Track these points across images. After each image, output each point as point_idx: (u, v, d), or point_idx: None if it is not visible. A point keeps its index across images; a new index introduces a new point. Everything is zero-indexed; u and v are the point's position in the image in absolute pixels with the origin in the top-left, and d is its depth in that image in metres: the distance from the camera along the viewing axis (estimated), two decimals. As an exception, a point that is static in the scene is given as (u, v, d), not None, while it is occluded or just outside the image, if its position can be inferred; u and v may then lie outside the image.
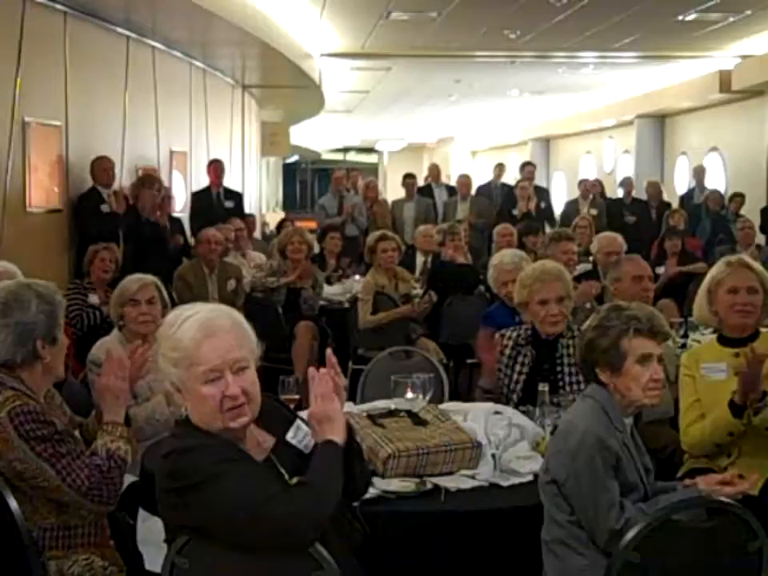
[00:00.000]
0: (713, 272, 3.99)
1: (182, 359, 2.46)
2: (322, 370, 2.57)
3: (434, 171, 13.42)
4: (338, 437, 2.51)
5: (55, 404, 3.18)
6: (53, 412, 3.10)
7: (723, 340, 3.92)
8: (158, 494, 2.51)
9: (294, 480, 2.47)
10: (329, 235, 8.99)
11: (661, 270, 8.26)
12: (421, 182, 13.28)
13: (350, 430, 2.57)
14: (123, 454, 2.99)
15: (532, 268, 4.58)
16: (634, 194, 13.16)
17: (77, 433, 3.20)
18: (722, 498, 2.69)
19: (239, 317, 2.58)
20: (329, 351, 2.64)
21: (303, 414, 2.77)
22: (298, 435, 2.62)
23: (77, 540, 2.97)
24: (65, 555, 2.93)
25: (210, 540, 2.41)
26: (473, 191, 12.81)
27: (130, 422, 3.21)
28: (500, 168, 14.46)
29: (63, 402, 3.30)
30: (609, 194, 15.17)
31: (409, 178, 12.37)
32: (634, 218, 12.21)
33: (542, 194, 12.88)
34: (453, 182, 14.67)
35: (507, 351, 4.31)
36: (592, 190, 13.29)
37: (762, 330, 3.95)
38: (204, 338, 2.46)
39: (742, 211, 11.67)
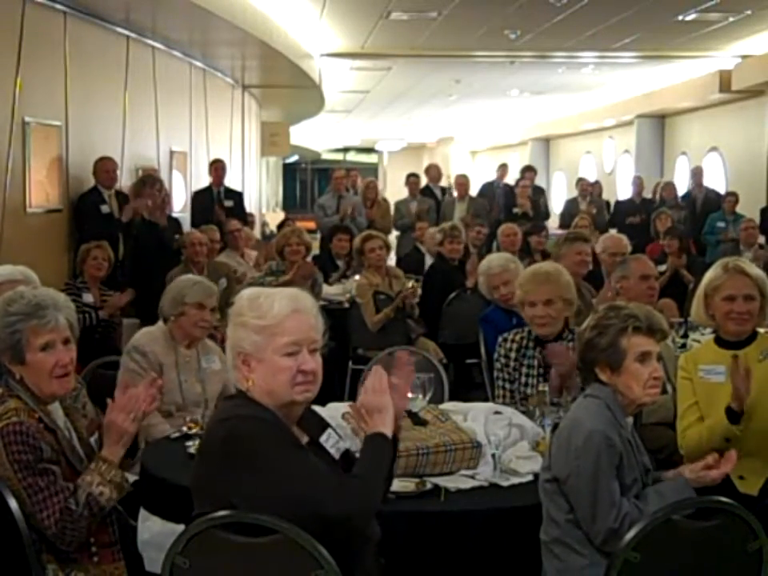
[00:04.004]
0: (710, 275, 3.94)
1: (267, 327, 2.54)
2: (375, 368, 2.64)
3: (431, 171, 13.38)
4: (388, 430, 2.56)
5: (77, 405, 3.13)
6: (73, 415, 3.08)
7: (721, 342, 3.90)
8: (203, 459, 2.55)
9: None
10: (336, 237, 8.94)
11: (662, 268, 8.27)
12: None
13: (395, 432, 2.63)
14: (104, 501, 2.88)
15: (527, 270, 4.63)
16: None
17: (94, 438, 3.15)
18: (722, 498, 2.69)
19: (317, 304, 2.67)
20: (402, 353, 2.70)
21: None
22: (330, 440, 2.69)
23: (68, 554, 2.91)
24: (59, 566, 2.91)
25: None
26: (472, 191, 12.82)
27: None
28: (503, 168, 14.52)
29: (87, 403, 3.26)
30: (608, 194, 15.23)
31: (412, 177, 12.38)
32: (638, 218, 12.24)
33: (538, 193, 12.93)
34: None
35: (513, 354, 4.32)
36: (590, 189, 13.36)
37: (760, 330, 3.94)
38: (292, 311, 2.56)
39: (742, 211, 11.67)
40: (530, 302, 4.33)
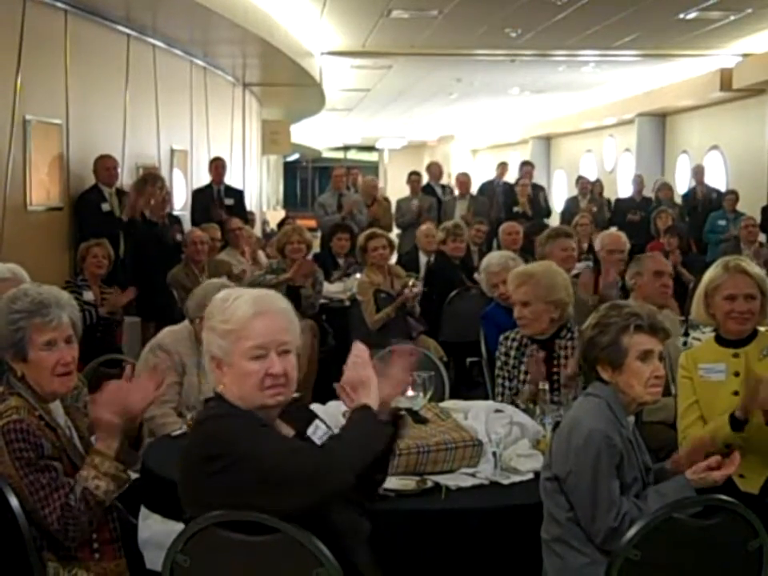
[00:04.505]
0: (710, 274, 3.92)
1: (231, 332, 2.50)
2: (355, 343, 2.62)
3: (433, 170, 13.36)
4: (372, 401, 2.52)
5: (79, 404, 3.13)
6: (74, 414, 3.08)
7: (721, 340, 3.90)
8: (186, 464, 2.53)
9: None
10: (337, 235, 8.92)
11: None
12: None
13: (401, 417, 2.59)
14: (101, 494, 2.88)
15: (514, 269, 4.73)
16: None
17: (95, 438, 3.15)
18: (723, 497, 2.69)
19: (289, 304, 2.62)
20: (357, 342, 2.67)
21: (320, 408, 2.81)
22: (318, 432, 2.67)
23: (69, 551, 2.92)
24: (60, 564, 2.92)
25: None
26: (473, 190, 12.83)
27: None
28: (503, 167, 14.53)
29: (89, 402, 3.24)
30: (609, 192, 15.21)
31: (414, 176, 12.38)
32: (638, 216, 12.32)
33: (538, 191, 12.95)
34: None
35: (513, 352, 4.32)
36: (590, 187, 13.41)
37: (761, 329, 3.94)
38: (257, 314, 2.51)
39: (743, 209, 11.67)
40: (513, 302, 4.39)
